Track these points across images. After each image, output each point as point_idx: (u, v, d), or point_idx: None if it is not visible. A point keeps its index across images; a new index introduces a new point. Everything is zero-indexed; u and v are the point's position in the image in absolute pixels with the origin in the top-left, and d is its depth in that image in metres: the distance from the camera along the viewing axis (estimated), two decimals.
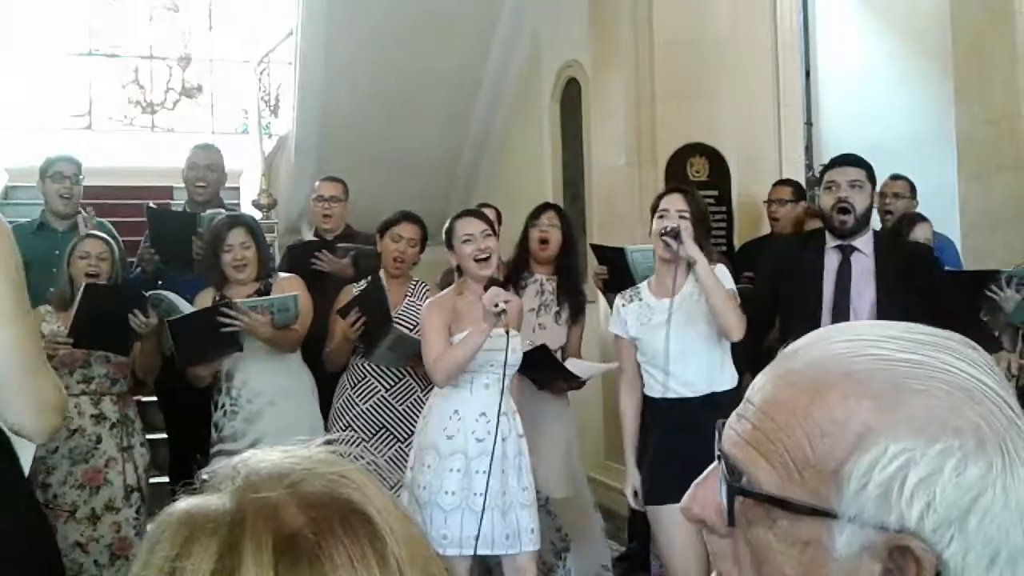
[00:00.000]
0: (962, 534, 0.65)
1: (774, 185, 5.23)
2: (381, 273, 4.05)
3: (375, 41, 6.91)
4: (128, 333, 3.69)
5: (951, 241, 4.82)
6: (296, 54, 7.51)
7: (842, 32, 6.87)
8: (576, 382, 3.95)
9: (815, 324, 0.78)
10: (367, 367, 3.89)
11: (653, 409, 3.31)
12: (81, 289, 3.64)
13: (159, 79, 11.30)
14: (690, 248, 3.17)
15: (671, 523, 3.13)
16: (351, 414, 3.88)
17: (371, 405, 3.87)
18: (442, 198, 7.80)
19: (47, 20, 10.60)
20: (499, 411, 3.23)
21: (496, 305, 3.05)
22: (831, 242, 3.50)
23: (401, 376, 3.85)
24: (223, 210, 4.45)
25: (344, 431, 3.79)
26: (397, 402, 3.88)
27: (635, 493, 3.33)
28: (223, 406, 3.79)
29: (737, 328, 3.19)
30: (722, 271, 3.29)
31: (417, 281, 4.12)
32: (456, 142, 7.81)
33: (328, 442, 0.68)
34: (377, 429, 3.84)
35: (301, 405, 3.84)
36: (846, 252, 3.49)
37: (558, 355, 3.99)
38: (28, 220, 4.75)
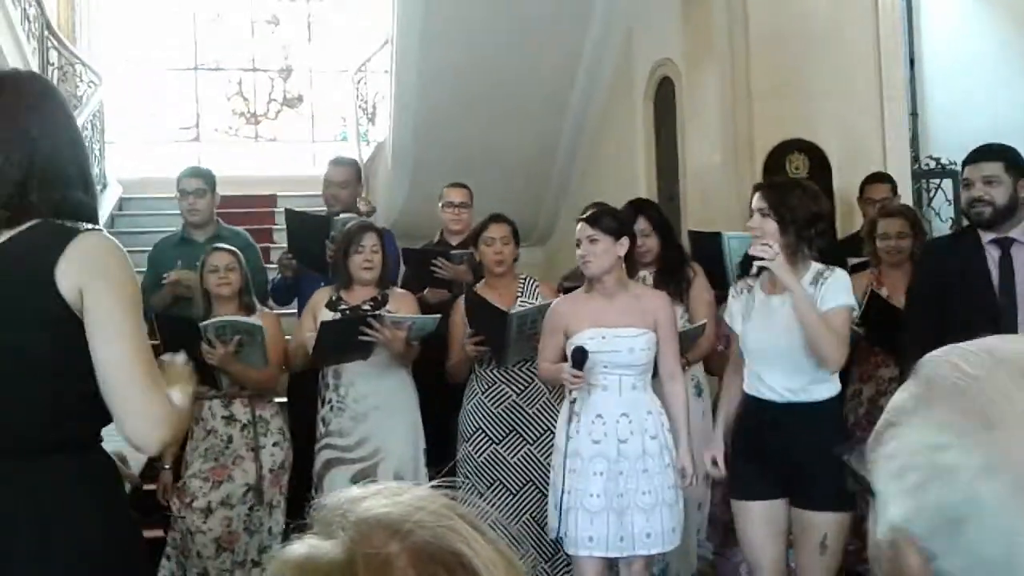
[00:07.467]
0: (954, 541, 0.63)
1: (868, 183, 4.89)
2: (480, 283, 4.11)
3: (468, 46, 6.97)
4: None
5: None
6: (392, 62, 7.64)
7: (947, 18, 6.62)
8: None
9: (996, 329, 0.75)
10: (495, 373, 3.95)
11: (744, 404, 3.27)
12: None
13: (261, 90, 11.66)
14: (783, 277, 3.00)
15: (752, 518, 3.18)
16: (481, 416, 3.97)
17: (503, 409, 3.95)
18: (535, 201, 7.81)
19: (156, 37, 11.05)
20: (620, 413, 3.27)
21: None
22: (987, 236, 3.28)
23: (531, 380, 3.92)
24: (355, 215, 4.57)
25: (475, 433, 3.96)
26: (527, 405, 3.96)
27: (714, 461, 3.29)
28: (330, 401, 3.93)
29: (833, 360, 3.01)
30: (839, 282, 3.07)
31: (526, 277, 4.16)
32: (549, 144, 7.81)
33: (438, 487, 0.71)
34: (507, 432, 3.93)
35: (404, 412, 3.96)
36: (1005, 245, 3.26)
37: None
38: (172, 231, 4.88)
